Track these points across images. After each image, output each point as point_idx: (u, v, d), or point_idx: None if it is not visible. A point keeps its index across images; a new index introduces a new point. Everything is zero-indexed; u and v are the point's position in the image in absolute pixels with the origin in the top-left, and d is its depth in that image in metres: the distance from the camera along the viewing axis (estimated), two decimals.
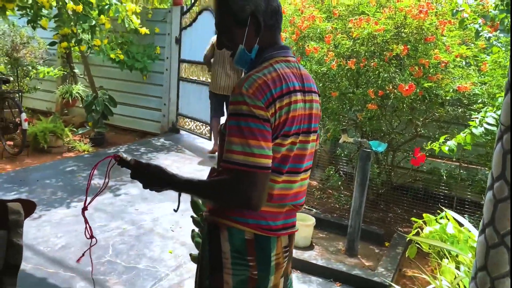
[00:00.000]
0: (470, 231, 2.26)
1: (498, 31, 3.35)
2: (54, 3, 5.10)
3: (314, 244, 3.42)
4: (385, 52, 3.43)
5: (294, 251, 1.63)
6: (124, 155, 1.31)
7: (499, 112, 2.49)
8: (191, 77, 6.32)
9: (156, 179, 1.26)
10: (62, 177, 4.58)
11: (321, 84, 3.72)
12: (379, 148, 3.15)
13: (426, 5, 3.38)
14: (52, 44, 5.79)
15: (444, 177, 3.85)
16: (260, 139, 1.14)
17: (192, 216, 2.38)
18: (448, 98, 3.42)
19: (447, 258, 2.25)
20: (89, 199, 1.40)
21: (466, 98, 3.45)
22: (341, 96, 3.69)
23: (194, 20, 6.13)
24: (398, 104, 3.56)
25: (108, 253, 3.08)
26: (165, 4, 7.35)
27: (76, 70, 6.46)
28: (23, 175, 4.57)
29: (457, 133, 2.75)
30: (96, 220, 3.56)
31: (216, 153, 6.32)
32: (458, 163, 3.89)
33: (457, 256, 2.22)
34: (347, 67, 3.51)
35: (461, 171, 3.85)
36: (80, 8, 5.16)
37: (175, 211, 1.39)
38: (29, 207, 1.77)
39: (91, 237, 1.42)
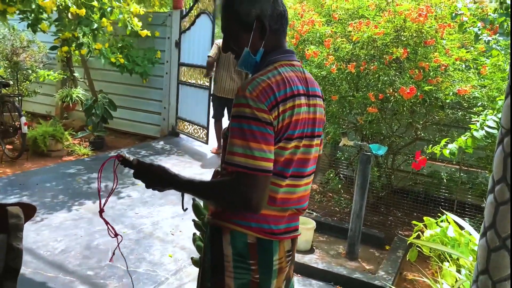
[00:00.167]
0: (471, 234, 2.26)
1: (498, 34, 3.35)
2: (55, 8, 5.12)
3: (314, 247, 3.41)
4: (385, 56, 3.44)
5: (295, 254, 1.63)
6: (127, 155, 1.32)
7: (499, 115, 2.49)
8: (189, 81, 6.34)
9: (158, 179, 1.27)
10: (61, 181, 4.57)
11: (321, 88, 3.71)
12: (379, 151, 3.15)
13: (425, 9, 3.39)
14: (53, 48, 5.80)
15: (445, 180, 3.85)
16: (261, 142, 1.14)
17: (193, 220, 2.38)
18: (448, 101, 3.43)
19: (448, 261, 2.25)
20: (102, 200, 1.41)
21: (466, 101, 3.45)
22: (341, 100, 3.69)
23: (193, 23, 6.15)
24: (398, 107, 3.56)
25: (108, 257, 3.07)
26: (165, 8, 7.37)
27: (76, 74, 6.47)
28: (23, 179, 4.56)
29: (457, 136, 2.75)
30: (95, 224, 3.55)
31: (219, 155, 6.36)
32: (458, 166, 3.89)
33: (458, 259, 2.21)
34: (347, 71, 3.52)
35: (462, 174, 3.85)
36: (83, 12, 5.17)
37: (184, 210, 1.40)
38: (29, 211, 1.77)
39: (116, 235, 1.42)
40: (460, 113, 3.64)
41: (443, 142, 2.69)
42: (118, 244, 1.46)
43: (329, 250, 3.41)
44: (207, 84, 5.95)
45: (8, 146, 5.49)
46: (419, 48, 3.47)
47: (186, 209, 1.41)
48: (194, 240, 2.38)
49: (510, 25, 2.92)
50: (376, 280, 2.81)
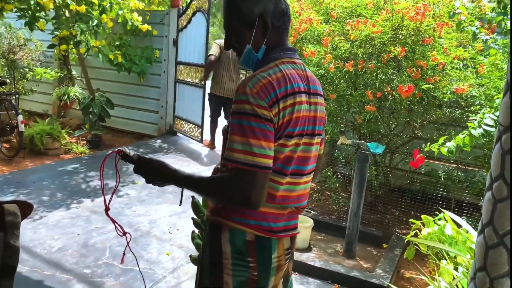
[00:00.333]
0: (468, 232, 2.26)
1: (495, 33, 3.36)
2: (52, 6, 5.09)
3: (312, 245, 3.41)
4: (382, 54, 3.44)
5: None
6: (127, 150, 1.33)
7: (497, 113, 2.50)
8: (186, 79, 6.33)
9: (158, 174, 1.28)
10: (58, 179, 4.56)
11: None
12: (377, 150, 3.16)
13: (423, 7, 3.39)
14: (51, 46, 5.78)
15: (442, 179, 3.86)
16: (261, 138, 1.14)
17: (192, 218, 2.38)
18: (445, 100, 3.43)
19: (446, 259, 2.25)
20: (107, 198, 1.41)
21: (464, 100, 3.46)
22: (339, 98, 3.69)
23: (189, 21, 6.15)
24: (396, 106, 3.56)
25: (105, 256, 3.06)
26: (163, 7, 7.35)
27: (73, 72, 6.44)
28: (20, 177, 4.55)
29: (454, 135, 2.76)
30: (93, 222, 3.54)
31: (211, 149, 6.41)
32: (456, 165, 3.90)
33: (455, 257, 2.21)
34: (345, 69, 3.52)
35: (459, 173, 3.85)
36: (83, 8, 5.15)
37: (179, 204, 1.40)
38: (25, 209, 1.76)
39: (124, 233, 1.42)
40: (458, 112, 3.64)
41: (441, 140, 2.69)
42: (128, 243, 1.45)
43: (326, 249, 3.42)
44: (202, 82, 5.95)
45: (4, 145, 5.47)
46: (417, 47, 3.47)
47: (180, 204, 1.41)
48: (192, 238, 2.37)
49: (510, 23, 2.92)
50: (373, 278, 2.82)
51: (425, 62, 3.34)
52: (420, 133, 3.93)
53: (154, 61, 6.42)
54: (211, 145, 6.17)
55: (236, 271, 1.25)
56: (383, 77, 3.44)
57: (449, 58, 3.36)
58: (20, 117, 5.00)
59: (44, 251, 3.07)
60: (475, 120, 2.50)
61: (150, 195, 4.27)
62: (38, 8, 4.97)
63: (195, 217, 2.37)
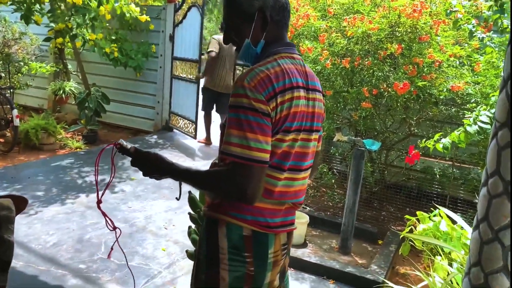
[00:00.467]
0: (463, 228, 2.28)
1: (492, 31, 3.37)
2: None
3: (307, 241, 3.42)
4: (379, 51, 3.44)
5: None
6: (125, 143, 1.33)
7: (492, 111, 2.51)
8: (181, 75, 6.32)
9: (156, 167, 1.28)
10: (53, 174, 4.54)
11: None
12: (373, 146, 3.16)
13: (420, 4, 3.39)
14: (47, 39, 5.73)
15: (437, 176, 3.87)
16: (258, 132, 1.13)
17: (189, 213, 2.38)
18: (441, 97, 3.44)
19: (440, 255, 2.27)
20: (100, 191, 1.40)
21: (460, 98, 3.47)
22: (335, 95, 3.69)
23: (184, 17, 6.13)
24: (392, 103, 3.57)
25: (101, 251, 3.06)
26: (159, 1, 7.32)
27: (69, 67, 6.40)
28: (14, 172, 4.52)
29: (450, 133, 2.76)
30: (88, 217, 3.53)
31: (207, 145, 6.44)
32: (451, 162, 3.92)
33: (450, 253, 2.23)
34: (341, 66, 3.52)
35: (454, 170, 3.87)
36: (79, 0, 5.11)
37: (177, 199, 1.40)
38: (20, 204, 1.75)
39: (114, 228, 1.42)
40: (454, 109, 3.66)
41: (436, 137, 2.70)
42: (117, 238, 1.44)
43: (322, 245, 3.43)
44: (200, 75, 5.95)
45: None
46: (414, 44, 3.48)
47: (179, 198, 1.41)
48: (189, 233, 2.37)
49: (510, 21, 2.92)
50: (368, 274, 2.83)
51: (421, 59, 3.34)
52: (416, 130, 3.94)
53: (151, 56, 6.39)
54: (207, 141, 6.17)
55: (233, 266, 1.24)
56: (380, 74, 3.44)
57: (445, 55, 3.37)
58: (15, 112, 4.96)
59: (39, 246, 3.06)
60: (471, 117, 2.51)
61: (146, 190, 4.26)
62: (33, 1, 4.92)
63: (192, 212, 2.37)
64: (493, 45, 3.29)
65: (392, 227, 3.70)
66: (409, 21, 3.40)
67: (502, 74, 0.90)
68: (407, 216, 2.77)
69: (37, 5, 5.05)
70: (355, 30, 3.44)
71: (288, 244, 1.36)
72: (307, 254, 3.14)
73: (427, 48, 3.44)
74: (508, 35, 2.92)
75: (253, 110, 1.14)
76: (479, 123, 2.42)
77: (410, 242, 2.56)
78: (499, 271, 0.86)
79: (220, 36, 5.89)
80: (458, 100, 3.53)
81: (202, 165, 5.15)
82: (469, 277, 0.93)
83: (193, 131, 6.09)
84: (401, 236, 2.66)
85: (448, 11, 3.33)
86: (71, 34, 5.46)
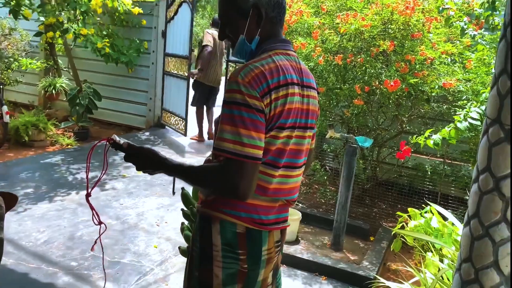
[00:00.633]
0: (454, 225, 2.29)
1: (483, 29, 3.39)
2: None
3: (300, 238, 3.43)
4: (372, 48, 3.45)
5: None
6: (117, 139, 1.32)
7: (483, 107, 2.53)
8: (173, 71, 6.30)
9: (149, 162, 1.27)
10: (44, 171, 4.49)
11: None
12: (365, 143, 3.17)
13: (412, 2, 3.40)
14: (37, 34, 5.66)
15: (429, 173, 3.90)
16: (251, 128, 1.13)
17: (182, 209, 2.36)
18: (433, 94, 3.46)
19: (431, 251, 2.28)
20: (91, 185, 1.40)
21: (451, 95, 3.49)
22: (328, 92, 3.70)
23: (176, 13, 6.10)
24: (384, 100, 3.58)
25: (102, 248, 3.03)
26: None
27: (59, 62, 6.33)
28: (4, 169, 4.47)
29: (441, 130, 2.78)
30: (80, 214, 3.50)
31: (200, 142, 6.48)
32: (442, 159, 3.94)
33: (441, 249, 2.25)
34: (334, 63, 3.52)
35: (445, 167, 3.90)
36: None
37: (173, 193, 1.40)
38: (10, 201, 1.73)
39: (100, 223, 1.41)
40: (445, 106, 3.68)
41: (427, 133, 2.72)
42: (100, 234, 1.44)
43: (314, 241, 3.44)
44: (186, 74, 5.93)
45: None
46: (406, 41, 3.49)
47: (173, 193, 1.41)
48: (182, 230, 2.36)
49: (505, 17, 2.94)
50: (360, 270, 2.85)
51: (413, 56, 3.36)
52: (407, 127, 3.96)
53: (142, 52, 6.35)
54: (199, 138, 6.16)
55: (226, 263, 1.24)
56: (372, 71, 3.45)
57: (437, 53, 3.39)
58: (5, 108, 4.90)
59: (29, 244, 3.03)
60: (461, 114, 2.53)
61: (137, 187, 4.24)
62: None
63: (185, 208, 2.36)
64: (485, 42, 3.31)
65: (383, 223, 3.73)
66: (401, 18, 3.41)
67: (493, 71, 0.91)
68: (398, 213, 2.79)
69: (26, 0, 4.98)
70: (348, 27, 3.45)
71: (282, 241, 1.36)
72: (299, 250, 3.15)
73: (419, 45, 3.45)
74: (499, 33, 2.94)
75: (246, 106, 1.13)
76: (469, 120, 2.44)
77: (401, 239, 2.57)
78: (490, 266, 0.87)
79: (212, 30, 5.91)
80: (450, 97, 3.55)
81: (193, 162, 5.14)
82: (460, 273, 0.94)
83: (183, 128, 6.07)
84: (392, 233, 2.68)
85: (440, 8, 3.34)
86: (62, 28, 5.39)
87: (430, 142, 2.60)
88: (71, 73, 6.14)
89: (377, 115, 3.92)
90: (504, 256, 0.86)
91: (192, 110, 6.15)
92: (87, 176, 1.36)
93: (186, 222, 2.39)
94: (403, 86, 3.29)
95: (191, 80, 5.99)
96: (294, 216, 3.37)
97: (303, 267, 2.96)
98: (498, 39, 0.90)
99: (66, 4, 5.26)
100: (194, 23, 5.87)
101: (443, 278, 1.98)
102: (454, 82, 3.27)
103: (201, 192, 1.33)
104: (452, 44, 3.51)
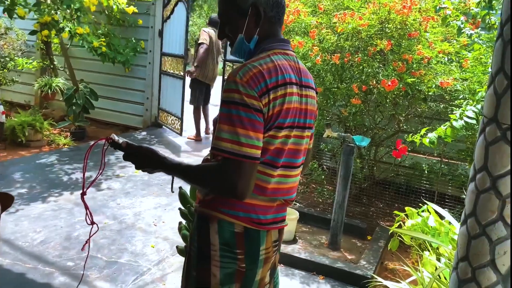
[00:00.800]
0: (451, 224, 2.30)
1: (480, 28, 3.40)
2: None
3: (297, 237, 3.43)
4: (369, 47, 3.45)
5: None
6: (116, 138, 1.32)
7: (478, 106, 2.53)
8: (169, 71, 6.30)
9: (148, 161, 1.28)
10: (40, 171, 4.48)
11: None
12: (362, 142, 3.18)
13: (409, 1, 3.40)
14: (32, 33, 5.63)
15: (426, 172, 3.91)
16: (249, 128, 1.13)
17: (179, 208, 2.36)
18: (430, 93, 3.47)
19: (428, 250, 2.29)
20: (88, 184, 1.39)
21: (448, 94, 3.50)
22: (325, 91, 3.70)
23: (172, 12, 6.10)
24: (381, 99, 3.59)
25: (90, 248, 3.02)
26: None
27: (55, 62, 6.30)
28: (0, 169, 4.45)
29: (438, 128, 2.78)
30: (76, 214, 3.49)
31: (197, 141, 6.52)
32: (439, 158, 3.95)
33: (438, 248, 2.25)
34: (331, 62, 3.52)
35: (442, 166, 3.91)
36: None
37: (172, 191, 1.40)
38: (6, 200, 1.73)
39: (92, 223, 1.40)
40: (442, 105, 3.69)
41: (423, 131, 2.73)
42: (91, 235, 1.43)
43: (311, 240, 3.44)
44: (182, 73, 5.93)
45: None
46: (403, 41, 3.49)
47: (172, 191, 1.41)
48: (179, 229, 2.36)
49: (501, 16, 2.95)
50: (357, 269, 2.85)
51: (410, 56, 3.36)
52: (405, 126, 3.96)
53: (139, 52, 6.33)
54: (197, 137, 6.15)
55: (224, 263, 1.24)
56: (369, 70, 3.45)
57: (434, 52, 3.39)
58: (1, 108, 4.83)
59: (26, 244, 3.02)
60: (458, 112, 2.53)
61: (135, 187, 4.23)
62: None
63: (183, 208, 2.35)
64: (481, 41, 3.32)
65: (381, 222, 3.73)
66: (398, 18, 3.41)
67: (490, 69, 0.90)
68: (396, 212, 2.79)
69: None
70: (345, 26, 3.45)
71: (279, 240, 1.37)
72: (297, 250, 3.15)
73: (416, 45, 3.45)
74: (496, 32, 2.95)
75: (244, 105, 1.13)
76: (465, 118, 2.45)
77: (398, 238, 2.58)
78: (487, 265, 0.87)
79: (209, 29, 5.93)
80: (447, 96, 3.56)
81: (190, 162, 5.12)
82: (457, 271, 0.94)
83: (179, 127, 6.06)
84: (390, 232, 2.68)
85: (437, 7, 3.35)
86: (57, 27, 5.36)
87: (426, 141, 2.61)
88: (67, 73, 6.12)
89: (374, 114, 3.92)
90: (501, 255, 0.86)
91: (188, 109, 6.15)
92: (83, 174, 1.36)
93: (183, 222, 2.38)
94: (401, 85, 3.30)
95: (188, 80, 5.99)
96: (291, 215, 3.37)
97: (301, 267, 2.96)
98: (495, 38, 0.90)
99: (60, 2, 5.23)
100: (191, 22, 5.88)
101: (440, 277, 1.98)
102: (451, 81, 3.28)
103: (199, 192, 1.33)
104: (449, 43, 3.52)
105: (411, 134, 2.86)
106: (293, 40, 3.68)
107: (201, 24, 19.03)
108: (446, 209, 3.22)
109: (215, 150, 1.15)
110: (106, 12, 5.97)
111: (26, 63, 6.11)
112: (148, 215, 3.65)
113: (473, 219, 0.90)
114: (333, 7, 3.79)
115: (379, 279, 2.25)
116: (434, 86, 3.37)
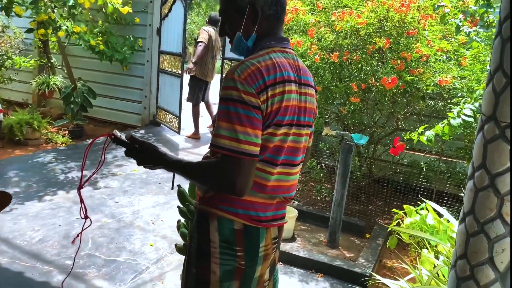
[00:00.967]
0: (449, 222, 2.30)
1: (478, 26, 3.40)
2: None
3: (296, 236, 3.43)
4: (367, 45, 3.45)
5: None
6: (118, 134, 1.32)
7: (476, 104, 2.54)
8: (167, 69, 6.29)
9: (149, 157, 1.28)
10: (38, 169, 4.47)
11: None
12: (361, 141, 3.18)
13: None
14: (29, 31, 5.60)
15: (424, 170, 3.91)
16: (247, 125, 1.13)
17: (178, 206, 2.36)
18: (429, 91, 3.47)
19: (427, 248, 2.29)
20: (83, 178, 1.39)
21: (446, 92, 3.50)
22: (324, 90, 3.70)
23: (170, 10, 6.09)
24: (380, 97, 3.59)
25: (88, 246, 3.02)
26: None
27: (53, 60, 6.28)
28: None
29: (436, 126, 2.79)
30: (75, 213, 3.49)
31: (196, 139, 6.53)
32: (437, 156, 3.96)
33: (436, 246, 2.25)
34: (330, 60, 3.52)
35: (440, 164, 3.92)
36: None
37: (172, 188, 1.41)
38: (4, 199, 1.72)
39: (86, 217, 1.40)
40: (441, 103, 3.69)
41: (421, 129, 2.73)
42: (83, 228, 1.43)
43: (310, 238, 3.44)
44: (180, 72, 5.92)
45: None
46: (402, 39, 3.49)
47: (172, 188, 1.41)
48: (178, 227, 2.36)
49: (499, 14, 2.95)
50: (356, 267, 2.85)
51: (409, 54, 3.36)
52: (403, 124, 3.97)
53: (137, 50, 6.31)
54: (195, 135, 6.15)
55: (224, 260, 1.25)
56: (368, 68, 3.45)
57: (432, 50, 3.39)
58: None
59: (24, 242, 3.01)
60: (455, 110, 2.54)
61: (133, 185, 4.23)
62: None
63: (181, 206, 2.35)
64: (480, 39, 3.32)
65: (379, 220, 3.74)
66: (397, 16, 3.41)
67: (488, 67, 0.90)
68: (394, 210, 2.80)
69: None
70: (343, 25, 3.44)
71: (279, 238, 1.37)
72: (295, 248, 3.15)
73: (414, 43, 3.45)
74: (494, 30, 2.95)
75: (242, 103, 1.13)
76: (462, 116, 2.45)
77: (397, 236, 2.58)
78: (485, 263, 0.87)
79: (209, 28, 5.95)
80: (445, 95, 3.56)
81: (190, 159, 5.12)
82: (455, 269, 0.94)
83: (177, 125, 6.06)
84: (388, 230, 2.69)
85: (436, 5, 3.34)
86: (54, 26, 5.34)
87: (423, 138, 2.61)
88: (65, 71, 6.10)
89: (373, 112, 3.93)
90: (499, 253, 0.86)
91: (187, 108, 6.15)
92: (82, 169, 1.36)
93: (182, 220, 2.38)
94: (399, 83, 3.30)
95: (186, 78, 6.00)
96: (290, 213, 3.37)
97: (299, 265, 2.96)
98: (493, 36, 0.90)
99: (56, 1, 5.21)
100: (189, 21, 5.88)
101: (438, 275, 1.99)
102: (449, 79, 3.28)
103: (199, 189, 1.34)
104: (448, 41, 3.52)
105: (409, 132, 2.86)
106: (291, 39, 3.68)
107: (199, 22, 19.00)
108: (444, 207, 3.23)
109: (213, 147, 1.16)
110: (103, 10, 5.94)
111: (23, 61, 6.08)
112: (146, 214, 3.65)
113: (471, 217, 0.90)
114: (331, 5, 3.79)
115: (378, 277, 2.25)
116: (432, 84, 3.37)
